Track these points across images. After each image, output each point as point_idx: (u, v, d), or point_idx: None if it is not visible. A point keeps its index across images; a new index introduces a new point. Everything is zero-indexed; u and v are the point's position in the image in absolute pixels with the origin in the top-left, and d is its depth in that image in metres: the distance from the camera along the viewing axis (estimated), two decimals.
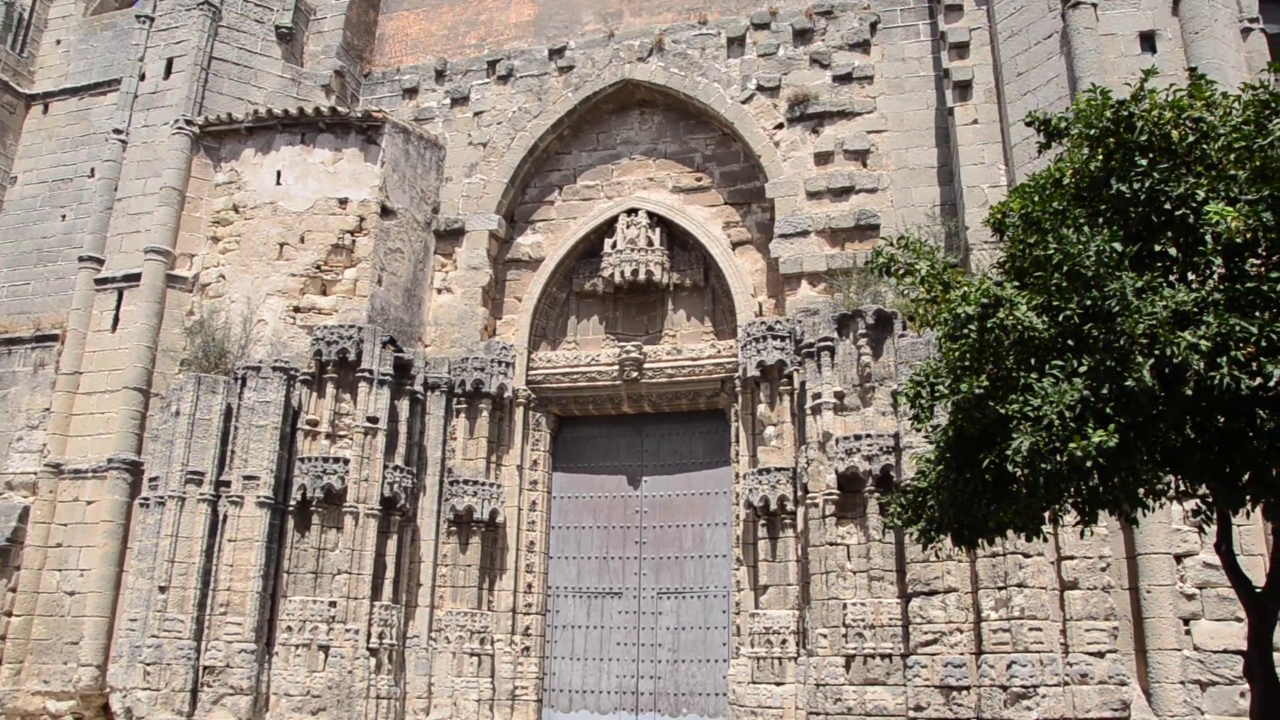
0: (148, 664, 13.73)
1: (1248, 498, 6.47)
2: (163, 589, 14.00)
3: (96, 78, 21.54)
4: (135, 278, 16.42)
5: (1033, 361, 6.39)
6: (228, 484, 14.33)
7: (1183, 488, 6.89)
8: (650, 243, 16.07)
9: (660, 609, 15.55)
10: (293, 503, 14.32)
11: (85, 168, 20.26)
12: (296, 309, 15.60)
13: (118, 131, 17.84)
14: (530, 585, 15.69)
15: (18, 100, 21.40)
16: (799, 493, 13.45)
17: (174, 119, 17.22)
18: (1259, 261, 6.54)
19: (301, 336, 15.29)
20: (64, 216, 20.21)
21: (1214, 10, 12.91)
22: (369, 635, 13.98)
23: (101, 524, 15.36)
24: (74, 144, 21.11)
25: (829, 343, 13.45)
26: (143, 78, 18.10)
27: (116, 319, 16.40)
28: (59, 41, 22.48)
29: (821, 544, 12.72)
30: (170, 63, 17.93)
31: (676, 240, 16.40)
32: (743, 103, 16.37)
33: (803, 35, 16.52)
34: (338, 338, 14.66)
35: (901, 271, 7.89)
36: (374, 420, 14.49)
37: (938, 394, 6.87)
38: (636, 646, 15.49)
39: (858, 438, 12.77)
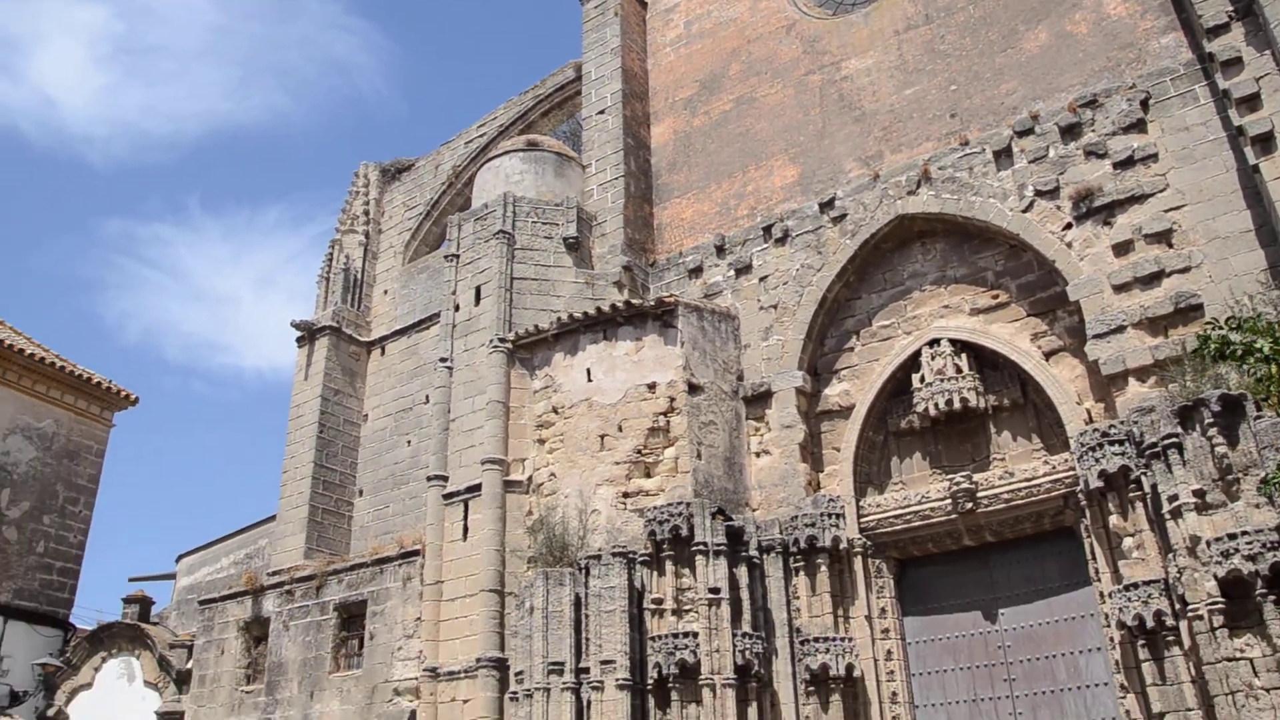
0: None
1: None
2: None
3: (419, 316, 24.23)
4: (476, 488, 17.79)
5: None
6: (586, 670, 14.83)
7: None
8: (959, 370, 15.76)
9: None
10: (650, 681, 14.59)
11: (420, 396, 22.57)
12: (625, 494, 16.34)
13: (443, 359, 19.69)
14: None
15: (361, 348, 24.44)
16: (1177, 605, 12.32)
17: (489, 339, 18.86)
18: None
19: (634, 520, 15.94)
20: (409, 442, 22.48)
21: None
22: None
23: None
24: (408, 377, 23.63)
25: (1174, 439, 12.50)
26: (457, 308, 20.02)
27: (466, 528, 17.74)
28: (385, 291, 25.54)
29: (1217, 661, 11.48)
30: (478, 290, 19.77)
31: (985, 362, 15.97)
32: (1023, 212, 16.04)
33: (1070, 131, 16.12)
34: (668, 516, 15.15)
35: (1240, 353, 7.38)
36: (715, 591, 14.71)
37: None
38: None
39: (1232, 536, 11.58)
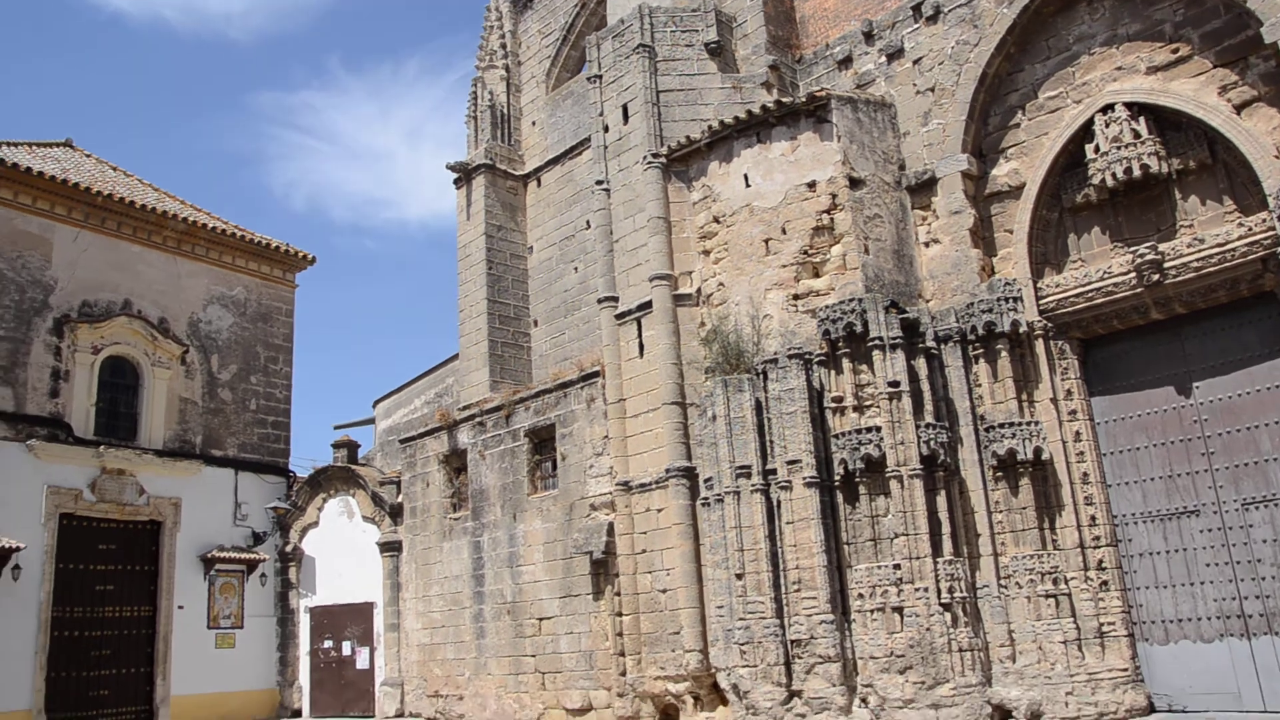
0: (741, 644, 15.00)
1: None
2: (739, 576, 15.21)
3: (569, 143, 24.27)
4: (647, 305, 18.12)
5: None
6: (774, 472, 15.26)
7: None
8: (1136, 135, 14.79)
9: (1249, 521, 14.13)
10: (836, 477, 14.93)
11: (581, 221, 22.88)
12: (795, 296, 16.32)
13: (599, 182, 19.79)
14: (1094, 517, 14.98)
15: (517, 182, 24.83)
16: None
17: (642, 157, 18.79)
18: None
19: (806, 321, 15.97)
20: (576, 269, 22.95)
21: None
22: (939, 591, 14.19)
23: (673, 527, 17.05)
24: (567, 205, 23.90)
25: None
26: (606, 129, 19.93)
27: (641, 345, 18.19)
28: (534, 123, 25.60)
29: None
30: (625, 108, 19.58)
31: (1166, 124, 14.88)
32: None
33: None
34: (840, 314, 15.11)
35: None
36: (895, 384, 14.74)
37: None
38: (1230, 565, 14.19)
39: None
